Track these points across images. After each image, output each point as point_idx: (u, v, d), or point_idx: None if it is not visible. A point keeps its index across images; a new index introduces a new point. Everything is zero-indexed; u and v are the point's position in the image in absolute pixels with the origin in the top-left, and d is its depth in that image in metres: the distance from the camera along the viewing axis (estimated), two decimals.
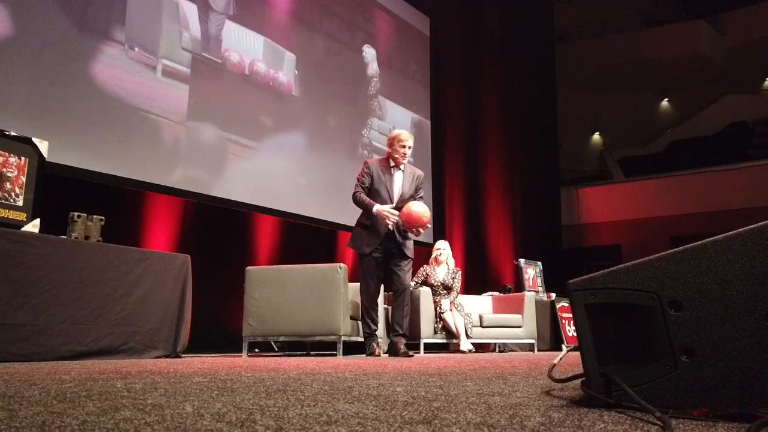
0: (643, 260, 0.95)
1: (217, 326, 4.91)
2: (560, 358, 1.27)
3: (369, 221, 3.96)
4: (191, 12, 5.51)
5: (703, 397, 0.85)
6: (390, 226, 3.86)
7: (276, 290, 3.91)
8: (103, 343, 3.09)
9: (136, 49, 5.03)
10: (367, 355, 3.81)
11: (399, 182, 4.05)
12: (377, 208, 3.87)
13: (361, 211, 4.06)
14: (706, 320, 0.87)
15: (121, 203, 4.76)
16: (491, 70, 9.45)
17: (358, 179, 4.06)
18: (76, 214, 3.23)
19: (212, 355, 4.25)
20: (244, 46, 5.98)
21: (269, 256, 5.87)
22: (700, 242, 0.90)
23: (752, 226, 0.88)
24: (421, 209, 3.81)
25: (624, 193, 12.19)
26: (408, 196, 4.01)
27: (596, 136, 16.05)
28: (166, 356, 3.38)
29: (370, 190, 4.00)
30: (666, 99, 16.24)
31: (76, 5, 4.67)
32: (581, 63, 14.28)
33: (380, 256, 3.96)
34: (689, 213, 10.93)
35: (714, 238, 0.89)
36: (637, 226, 11.51)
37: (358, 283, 4.68)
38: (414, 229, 3.83)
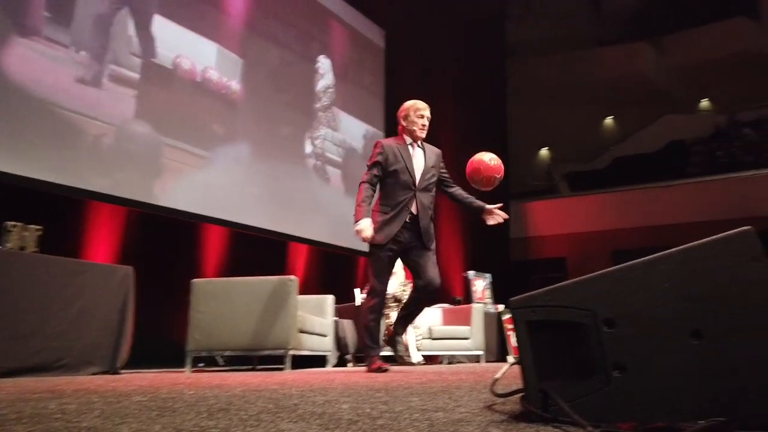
0: (580, 279, 0.98)
1: (160, 340, 4.76)
2: (502, 373, 1.30)
3: (388, 208, 3.31)
4: (142, 17, 5.38)
5: (632, 411, 0.89)
6: (364, 237, 3.25)
7: (223, 303, 3.82)
8: (37, 359, 2.94)
9: (83, 53, 4.87)
10: (370, 371, 3.24)
11: (420, 159, 3.41)
12: (361, 225, 3.23)
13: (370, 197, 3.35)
14: (636, 337, 0.90)
15: (60, 212, 4.56)
16: (444, 84, 9.60)
17: (368, 166, 3.36)
18: (11, 223, 3.08)
19: (154, 370, 4.11)
20: (197, 52, 5.88)
21: (217, 268, 5.75)
22: (632, 262, 0.94)
23: (677, 248, 0.92)
24: (486, 156, 3.25)
25: (570, 207, 12.58)
26: (431, 176, 3.43)
27: (544, 151, 16.52)
28: (104, 372, 3.25)
29: (385, 175, 3.32)
30: (611, 116, 16.90)
31: (18, 5, 4.48)
32: (531, 79, 14.70)
33: (397, 249, 3.34)
34: (631, 227, 11.36)
35: (644, 258, 0.93)
36: (582, 240, 11.88)
37: (310, 296, 4.65)
38: (494, 180, 3.23)
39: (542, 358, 1.01)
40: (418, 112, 3.45)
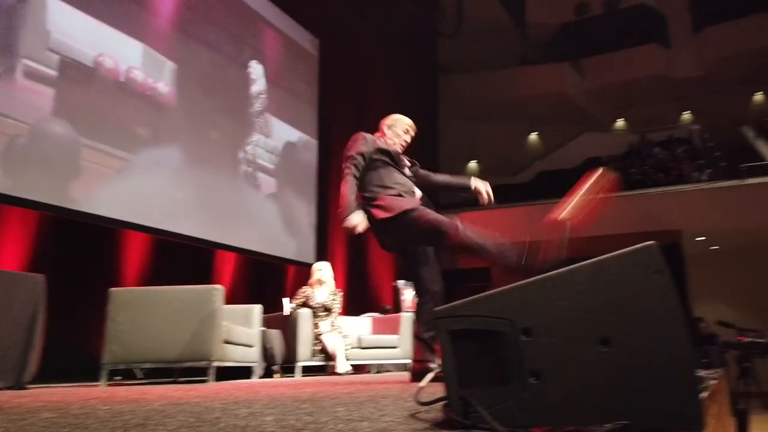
0: (501, 289, 1.02)
1: (74, 353, 4.49)
2: (426, 382, 1.32)
3: (397, 186, 2.87)
4: (61, 12, 5.10)
5: (547, 417, 0.93)
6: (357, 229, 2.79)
7: (143, 313, 3.66)
8: None
9: None
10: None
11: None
12: (351, 219, 2.75)
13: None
14: (550, 345, 0.95)
15: None
16: (376, 96, 9.71)
17: (352, 156, 2.83)
18: None
19: (66, 385, 3.87)
20: (121, 51, 5.64)
21: (138, 277, 5.50)
22: (548, 274, 0.99)
23: (589, 261, 0.98)
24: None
25: (496, 218, 12.96)
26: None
27: (473, 164, 17.01)
28: (9, 388, 3.03)
29: (378, 168, 2.89)
30: (535, 132, 17.66)
31: None
32: (460, 94, 15.14)
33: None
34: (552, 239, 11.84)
35: (559, 270, 0.98)
36: None
37: (237, 306, 4.54)
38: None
39: (464, 367, 1.04)
40: (406, 128, 3.19)
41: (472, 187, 3.19)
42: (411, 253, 2.94)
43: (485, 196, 3.17)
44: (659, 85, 16.21)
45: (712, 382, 2.34)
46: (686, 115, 16.79)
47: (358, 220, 2.80)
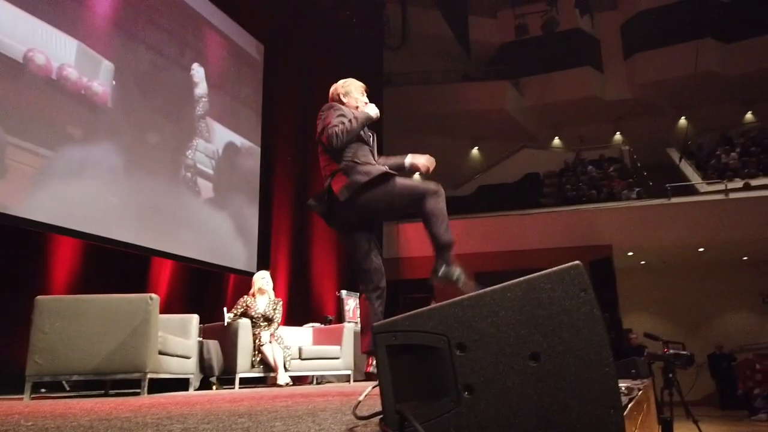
0: (437, 305, 1.05)
1: None
2: (364, 395, 1.34)
3: (361, 161, 2.73)
4: None
5: (479, 430, 0.97)
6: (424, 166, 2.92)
7: (72, 323, 3.50)
8: None
9: None
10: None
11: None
12: (374, 109, 2.78)
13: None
14: (483, 360, 0.99)
15: None
16: (322, 104, 9.68)
17: (336, 123, 2.69)
18: None
19: None
20: (53, 48, 5.40)
21: (67, 285, 5.25)
22: (482, 291, 1.03)
23: (520, 279, 1.03)
24: None
25: None
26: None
27: (416, 176, 17.24)
28: None
29: (350, 144, 2.74)
30: (476, 147, 18.11)
31: None
32: (405, 107, 15.35)
33: None
34: (492, 251, 12.16)
35: (493, 287, 1.03)
36: None
37: (173, 315, 4.41)
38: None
39: (400, 381, 1.06)
40: (362, 90, 2.99)
41: (407, 166, 3.08)
42: (361, 238, 2.81)
43: (425, 168, 3.09)
44: (593, 106, 17.03)
45: (639, 392, 2.47)
46: (618, 136, 17.69)
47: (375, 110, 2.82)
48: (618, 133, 17.69)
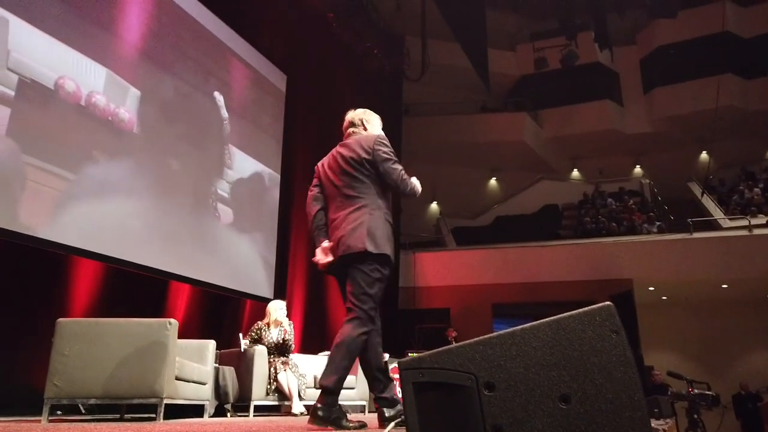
0: (465, 343, 1.05)
1: (15, 386, 4.25)
2: (390, 428, 1.32)
3: (390, 216, 2.81)
4: (23, 32, 5.02)
5: None
6: None
7: (91, 346, 3.52)
8: None
9: None
10: (398, 425, 2.48)
11: None
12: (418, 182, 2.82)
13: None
14: (513, 401, 0.98)
15: None
16: (342, 134, 9.80)
17: (397, 161, 2.80)
18: None
19: (5, 419, 3.65)
20: (83, 75, 5.56)
21: (87, 307, 5.29)
22: (511, 330, 1.02)
23: (549, 318, 1.02)
24: None
25: (455, 260, 13.15)
26: None
27: (434, 205, 17.25)
28: None
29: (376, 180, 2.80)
30: (494, 178, 18.10)
31: None
32: (424, 136, 15.47)
33: None
34: (509, 282, 12.04)
35: (521, 326, 1.02)
36: (465, 292, 12.41)
37: (190, 341, 4.42)
38: None
39: (427, 419, 1.05)
40: (380, 122, 3.07)
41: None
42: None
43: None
44: (612, 139, 16.99)
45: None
46: (637, 169, 17.58)
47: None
48: (638, 166, 17.59)
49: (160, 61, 6.55)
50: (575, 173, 18.03)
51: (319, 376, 5.32)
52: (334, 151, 2.96)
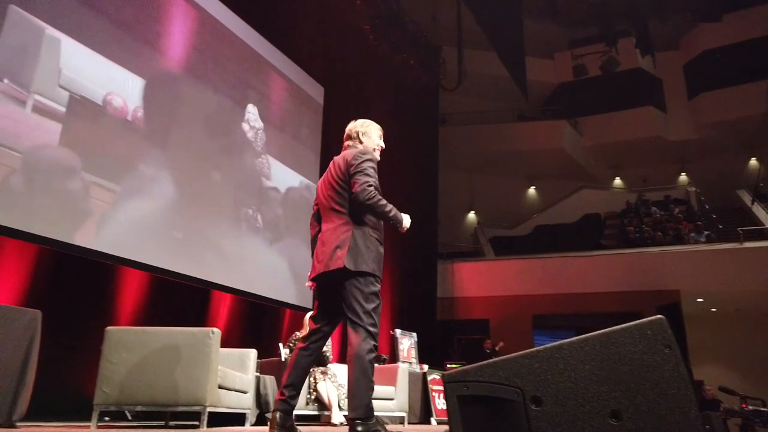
0: (510, 356, 1.03)
1: (65, 391, 4.40)
2: None
3: (378, 233, 2.81)
4: (74, 50, 5.24)
5: None
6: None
7: (138, 354, 3.61)
8: None
9: (6, 80, 4.66)
10: None
11: None
12: (408, 220, 2.83)
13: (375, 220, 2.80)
14: (561, 416, 0.95)
15: None
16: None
17: (370, 174, 2.74)
18: None
19: (56, 424, 3.78)
20: (129, 91, 5.76)
21: (132, 315, 5.45)
22: (558, 343, 1.00)
23: (598, 332, 0.99)
24: None
25: (494, 270, 13.00)
26: None
27: (471, 215, 17.11)
28: None
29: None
30: (533, 187, 17.85)
31: None
32: (460, 146, 15.40)
33: None
34: (549, 293, 11.82)
35: (569, 340, 1.00)
36: (504, 303, 12.24)
37: (232, 350, 4.47)
38: None
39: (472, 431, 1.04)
40: (380, 133, 3.01)
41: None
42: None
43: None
44: (656, 146, 16.55)
45: None
46: (683, 177, 17.06)
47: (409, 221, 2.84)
48: (683, 173, 17.08)
49: (202, 75, 6.73)
50: (617, 181, 17.62)
51: None
52: (329, 166, 2.98)
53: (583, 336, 1.00)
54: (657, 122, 16.41)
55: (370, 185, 2.68)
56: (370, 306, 2.64)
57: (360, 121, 3.02)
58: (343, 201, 2.78)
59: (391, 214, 2.73)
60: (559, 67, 16.81)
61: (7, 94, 4.65)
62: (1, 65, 4.63)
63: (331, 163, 2.95)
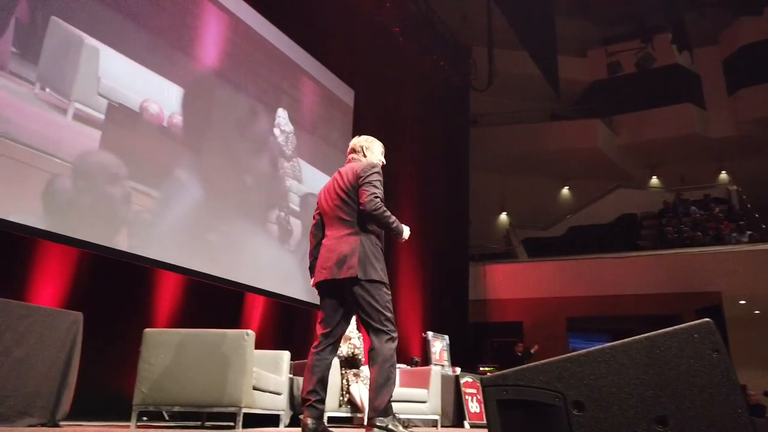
0: (551, 360, 1.00)
1: (105, 392, 4.51)
2: None
3: (381, 243, 3.00)
4: (112, 59, 5.38)
5: None
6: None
7: (175, 355, 3.68)
8: None
9: (47, 89, 4.81)
10: None
11: None
12: (407, 232, 3.02)
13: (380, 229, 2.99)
14: (605, 421, 0.93)
15: (6, 250, 4.37)
16: (409, 147, 9.86)
17: (377, 186, 2.92)
18: None
19: (96, 423, 3.88)
20: (165, 98, 5.89)
21: (169, 317, 5.56)
22: (600, 347, 0.97)
23: (642, 335, 0.96)
24: None
25: (526, 272, 12.83)
26: None
27: (503, 216, 16.93)
28: (43, 425, 3.05)
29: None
30: (566, 187, 17.56)
31: None
32: (492, 147, 15.25)
33: None
34: (583, 295, 11.60)
35: (612, 344, 0.97)
36: (538, 305, 12.06)
37: (266, 351, 4.53)
38: None
39: None
40: (382, 149, 3.24)
41: None
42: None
43: None
44: (694, 144, 16.10)
45: None
46: (723, 175, 16.56)
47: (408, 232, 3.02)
48: (723, 172, 16.56)
49: (234, 81, 6.83)
50: (654, 180, 17.20)
51: None
52: (333, 176, 3.15)
53: (627, 340, 0.97)
54: (695, 119, 15.97)
55: (377, 197, 2.85)
56: (389, 314, 2.87)
57: (364, 137, 3.25)
58: (350, 210, 2.94)
59: (393, 225, 2.91)
60: (593, 65, 16.51)
61: (49, 102, 4.80)
62: (43, 74, 4.78)
63: (337, 173, 3.13)
